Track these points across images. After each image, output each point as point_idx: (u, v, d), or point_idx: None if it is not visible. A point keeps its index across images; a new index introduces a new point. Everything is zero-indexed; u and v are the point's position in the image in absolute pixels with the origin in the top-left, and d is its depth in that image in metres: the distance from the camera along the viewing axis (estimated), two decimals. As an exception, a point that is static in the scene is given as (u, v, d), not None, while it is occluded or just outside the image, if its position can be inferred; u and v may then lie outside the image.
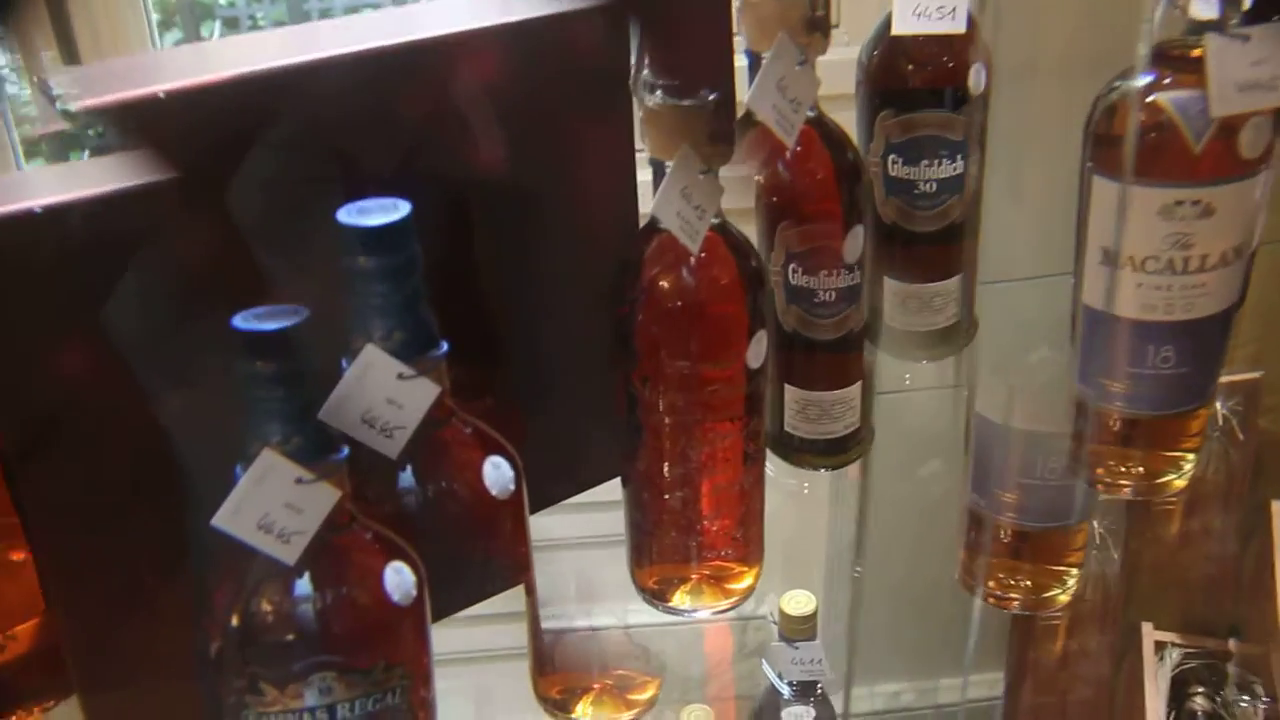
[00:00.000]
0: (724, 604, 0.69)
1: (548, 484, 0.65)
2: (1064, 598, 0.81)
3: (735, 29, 0.65)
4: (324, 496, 0.50)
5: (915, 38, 0.70)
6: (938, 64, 0.72)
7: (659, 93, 0.57)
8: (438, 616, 0.57)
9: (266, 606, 0.52)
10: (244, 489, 0.49)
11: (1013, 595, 0.81)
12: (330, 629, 0.52)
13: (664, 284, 0.60)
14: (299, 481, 0.49)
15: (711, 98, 0.57)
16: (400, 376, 0.52)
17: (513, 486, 0.59)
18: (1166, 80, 0.59)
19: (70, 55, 0.97)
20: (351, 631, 0.53)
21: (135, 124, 0.51)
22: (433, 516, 0.57)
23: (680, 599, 0.69)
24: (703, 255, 0.60)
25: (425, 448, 0.55)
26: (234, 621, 0.52)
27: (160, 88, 0.50)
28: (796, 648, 0.87)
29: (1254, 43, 0.56)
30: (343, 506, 0.52)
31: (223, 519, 0.49)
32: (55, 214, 0.49)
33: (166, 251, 0.51)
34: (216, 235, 0.52)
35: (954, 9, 0.68)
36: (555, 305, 0.64)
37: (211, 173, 0.51)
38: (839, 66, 1.16)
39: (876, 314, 0.79)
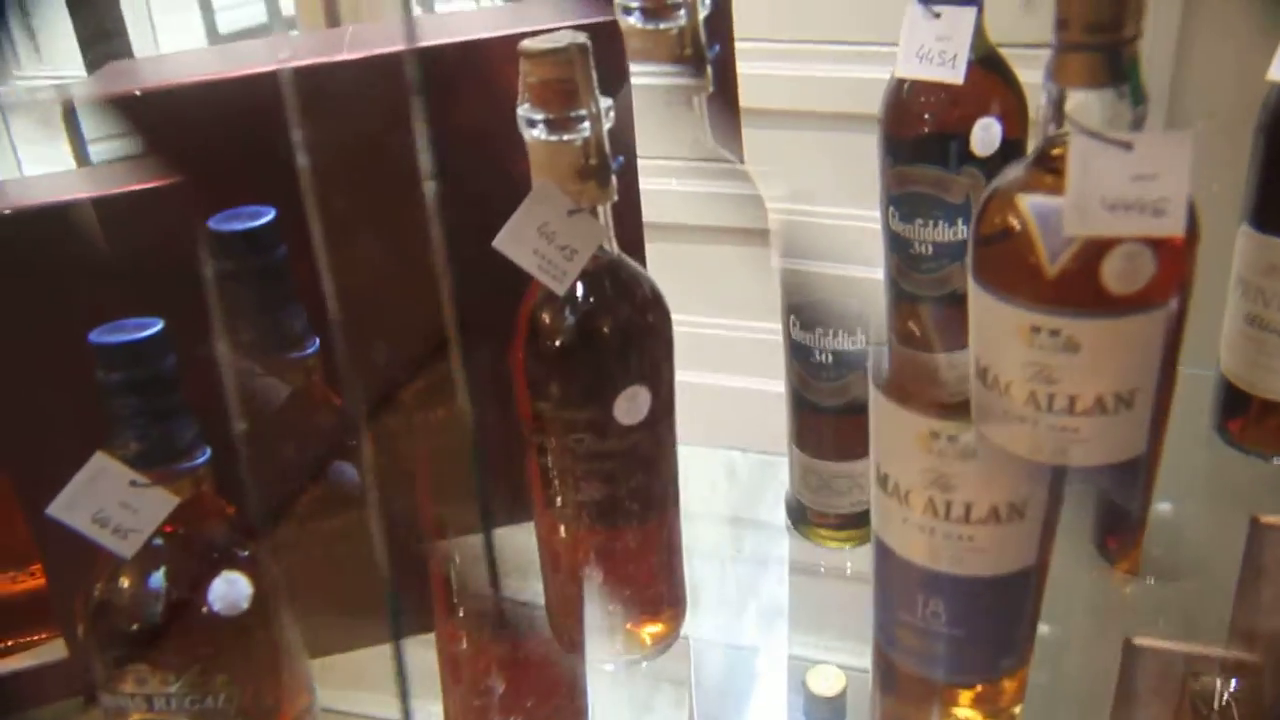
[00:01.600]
0: (629, 655, 0.68)
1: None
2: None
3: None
4: (159, 500, 0.56)
5: (922, 83, 0.64)
6: (939, 115, 0.64)
7: (531, 127, 0.57)
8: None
9: (105, 592, 0.59)
10: (75, 486, 0.55)
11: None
12: (146, 626, 0.58)
13: (537, 318, 0.59)
14: (133, 484, 0.55)
15: (579, 134, 0.56)
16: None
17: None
18: (1046, 179, 0.48)
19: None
20: (165, 632, 0.58)
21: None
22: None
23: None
24: (582, 302, 0.59)
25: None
26: (88, 600, 0.60)
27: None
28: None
29: (1139, 153, 0.44)
30: (196, 511, 0.58)
31: (56, 509, 0.55)
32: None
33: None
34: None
35: (954, 56, 0.61)
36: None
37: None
38: None
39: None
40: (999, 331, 0.49)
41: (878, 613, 0.59)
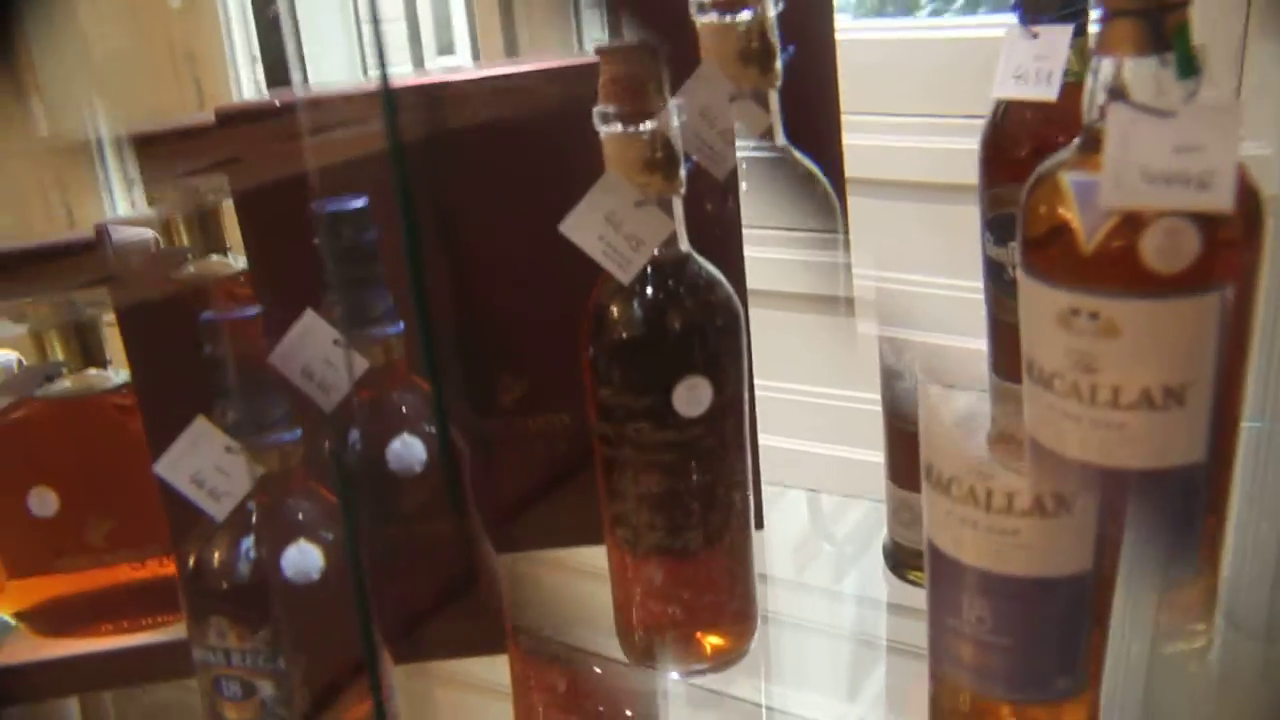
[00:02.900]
0: (690, 664, 0.67)
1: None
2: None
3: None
4: (248, 468, 0.61)
5: (1019, 104, 0.63)
6: (1034, 135, 0.63)
7: (602, 122, 0.59)
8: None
9: (199, 552, 0.64)
10: (179, 446, 0.61)
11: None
12: (229, 584, 0.63)
13: (602, 310, 0.61)
14: (228, 450, 0.61)
15: (646, 128, 0.58)
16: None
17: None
18: (1092, 158, 0.46)
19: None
20: (243, 592, 0.63)
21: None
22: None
23: (654, 652, 0.68)
24: (647, 291, 0.60)
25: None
26: (186, 560, 0.65)
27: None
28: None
29: (1182, 121, 0.42)
30: (281, 481, 0.62)
31: (161, 468, 0.61)
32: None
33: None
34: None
35: (1050, 74, 0.60)
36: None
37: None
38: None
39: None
40: (1040, 317, 0.47)
41: (930, 624, 0.56)
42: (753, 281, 0.68)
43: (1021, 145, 0.63)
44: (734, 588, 0.66)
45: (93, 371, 0.79)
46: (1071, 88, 0.59)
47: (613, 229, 0.58)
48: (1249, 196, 0.45)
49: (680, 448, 0.60)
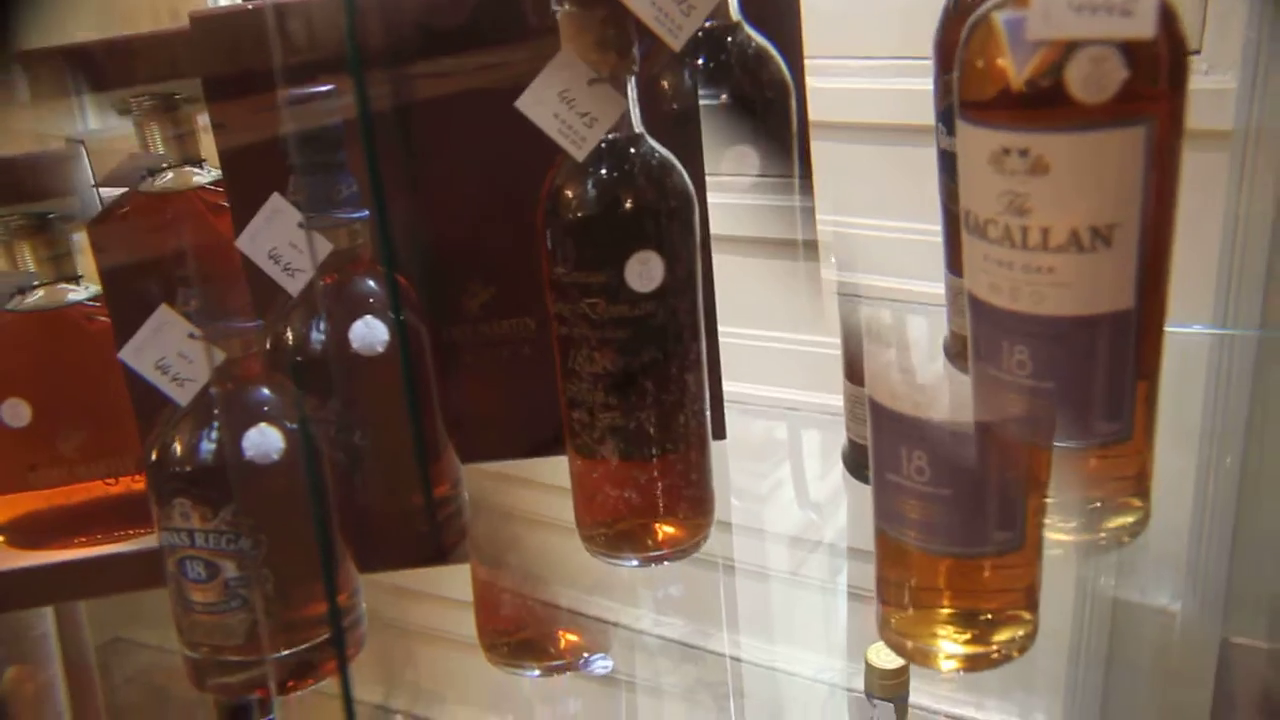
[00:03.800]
0: (647, 553, 0.68)
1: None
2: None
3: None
4: (209, 355, 0.63)
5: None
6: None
7: (558, 1, 0.60)
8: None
9: (163, 437, 0.66)
10: (142, 334, 0.63)
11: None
12: (187, 463, 0.65)
13: (555, 189, 0.62)
14: (190, 336, 0.62)
15: (599, 6, 0.59)
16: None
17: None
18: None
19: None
20: (203, 471, 0.65)
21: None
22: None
23: (608, 544, 0.68)
24: (600, 169, 0.61)
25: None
26: (150, 446, 0.66)
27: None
28: (874, 705, 0.80)
29: None
30: (243, 368, 0.64)
31: (126, 354, 0.63)
32: None
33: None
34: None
35: None
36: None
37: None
38: (1202, 96, 1.06)
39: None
40: (974, 162, 0.48)
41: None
42: (715, 227, 0.69)
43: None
44: (689, 474, 0.67)
45: (64, 285, 0.80)
46: None
47: (567, 106, 0.59)
48: (1171, 29, 0.46)
49: (633, 324, 0.61)
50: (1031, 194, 0.46)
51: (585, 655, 0.75)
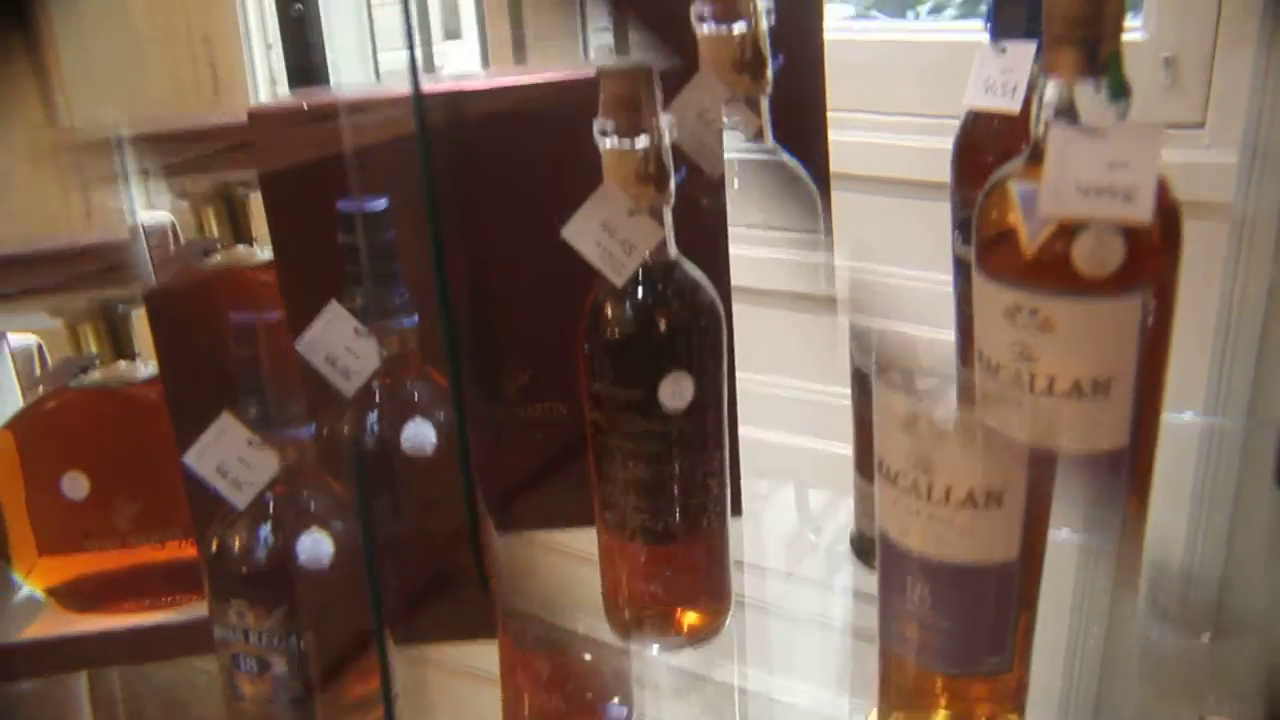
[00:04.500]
0: (668, 639, 0.73)
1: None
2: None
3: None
4: (269, 460, 0.67)
5: (988, 113, 0.68)
6: (1001, 142, 0.68)
7: (601, 136, 0.64)
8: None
9: (222, 536, 0.70)
10: (206, 438, 0.67)
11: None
12: (248, 567, 0.69)
13: (597, 309, 0.67)
14: (250, 443, 0.67)
15: (640, 144, 0.64)
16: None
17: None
18: (1036, 169, 0.52)
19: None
20: (261, 575, 0.69)
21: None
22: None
23: (631, 628, 0.73)
24: (637, 293, 0.66)
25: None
26: (208, 544, 0.71)
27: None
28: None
29: (1112, 141, 0.48)
30: (296, 472, 0.68)
31: (190, 458, 0.67)
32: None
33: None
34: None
35: (1015, 87, 0.65)
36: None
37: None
38: (1204, 170, 1.11)
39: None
40: (989, 312, 0.53)
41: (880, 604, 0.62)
42: (740, 279, 0.74)
43: (988, 152, 0.69)
44: (710, 569, 0.71)
45: (123, 364, 0.85)
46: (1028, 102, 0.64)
47: (608, 235, 0.64)
48: (1168, 208, 0.51)
49: (664, 438, 0.66)
50: (1039, 347, 0.52)
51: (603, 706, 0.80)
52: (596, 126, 0.64)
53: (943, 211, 0.75)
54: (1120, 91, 0.53)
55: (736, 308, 0.74)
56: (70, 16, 1.12)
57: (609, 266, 0.64)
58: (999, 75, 0.65)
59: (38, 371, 0.96)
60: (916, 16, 1.57)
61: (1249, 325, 1.03)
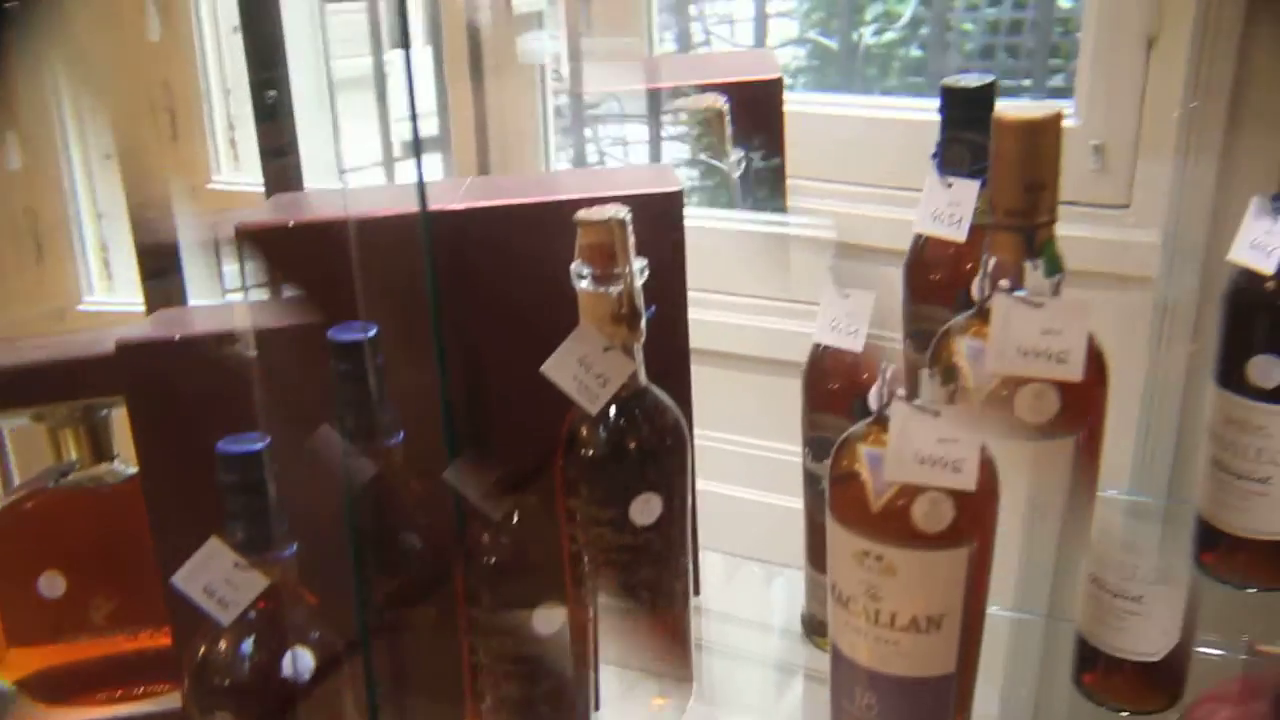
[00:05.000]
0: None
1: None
2: None
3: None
4: (255, 581, 0.70)
5: (935, 240, 0.74)
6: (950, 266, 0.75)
7: (578, 279, 0.69)
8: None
9: (206, 652, 0.72)
10: (194, 561, 0.70)
11: None
12: (232, 682, 0.72)
13: (574, 431, 0.71)
14: (236, 565, 0.70)
15: (614, 289, 0.68)
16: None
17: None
18: (983, 328, 0.60)
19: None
20: (245, 689, 0.72)
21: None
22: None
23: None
24: (609, 416, 0.71)
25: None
26: (193, 658, 0.73)
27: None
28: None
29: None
30: (281, 591, 0.71)
31: (179, 579, 0.70)
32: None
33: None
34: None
35: (960, 219, 0.71)
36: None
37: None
38: (1128, 248, 1.18)
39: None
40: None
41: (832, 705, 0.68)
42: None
43: (935, 271, 0.76)
44: (677, 658, 0.77)
45: (103, 466, 0.87)
46: (975, 230, 0.70)
47: (584, 369, 0.69)
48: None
49: (635, 550, 0.71)
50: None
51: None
52: (573, 269, 0.69)
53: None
54: (1055, 268, 0.59)
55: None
56: (29, 57, 1.13)
57: (585, 398, 0.69)
58: (945, 207, 0.71)
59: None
60: (859, 37, 1.64)
61: (1171, 400, 1.09)
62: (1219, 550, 0.76)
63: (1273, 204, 0.68)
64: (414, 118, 0.68)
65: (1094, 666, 0.74)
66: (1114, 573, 0.71)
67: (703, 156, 1.22)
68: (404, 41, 0.79)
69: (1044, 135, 0.60)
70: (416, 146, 0.69)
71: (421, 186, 0.71)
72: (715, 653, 0.90)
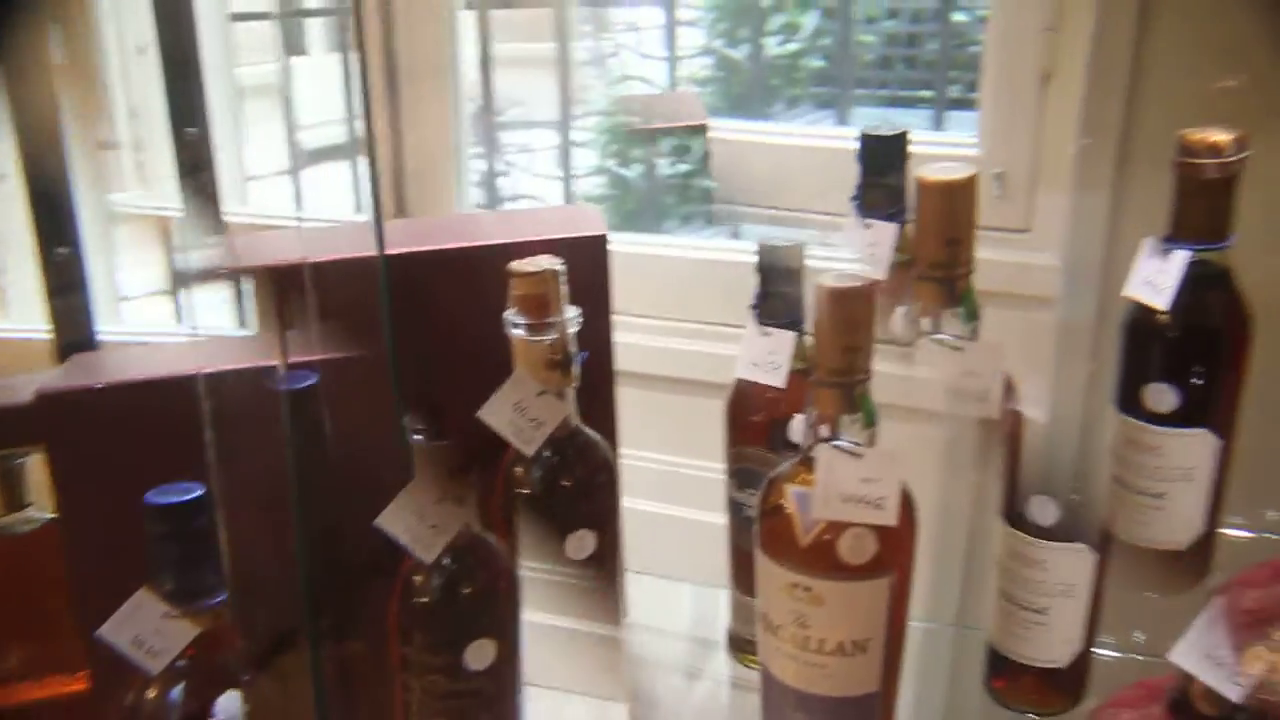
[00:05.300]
0: None
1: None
2: None
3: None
4: (184, 630, 0.69)
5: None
6: (768, 409, 0.78)
7: (513, 328, 0.70)
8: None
9: (135, 700, 0.71)
10: (122, 612, 0.68)
11: None
12: None
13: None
14: (165, 615, 0.69)
15: (547, 337, 0.70)
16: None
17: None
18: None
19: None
20: None
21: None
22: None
23: None
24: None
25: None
26: (122, 708, 0.71)
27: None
28: None
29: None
30: (212, 638, 0.70)
31: (105, 631, 0.68)
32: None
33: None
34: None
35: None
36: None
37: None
38: (1029, 270, 1.23)
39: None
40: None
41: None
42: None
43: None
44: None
45: (18, 515, 0.85)
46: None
47: (519, 414, 0.70)
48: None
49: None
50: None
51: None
52: (507, 317, 0.70)
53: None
54: (972, 315, 0.62)
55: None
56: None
57: (520, 439, 0.70)
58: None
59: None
60: (761, 48, 1.68)
61: (1072, 415, 1.14)
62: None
63: (1163, 245, 0.72)
64: (374, 177, 0.68)
65: (1003, 673, 0.78)
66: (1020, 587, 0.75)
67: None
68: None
69: (961, 195, 0.64)
70: (376, 195, 0.68)
71: (380, 233, 0.70)
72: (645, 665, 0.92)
